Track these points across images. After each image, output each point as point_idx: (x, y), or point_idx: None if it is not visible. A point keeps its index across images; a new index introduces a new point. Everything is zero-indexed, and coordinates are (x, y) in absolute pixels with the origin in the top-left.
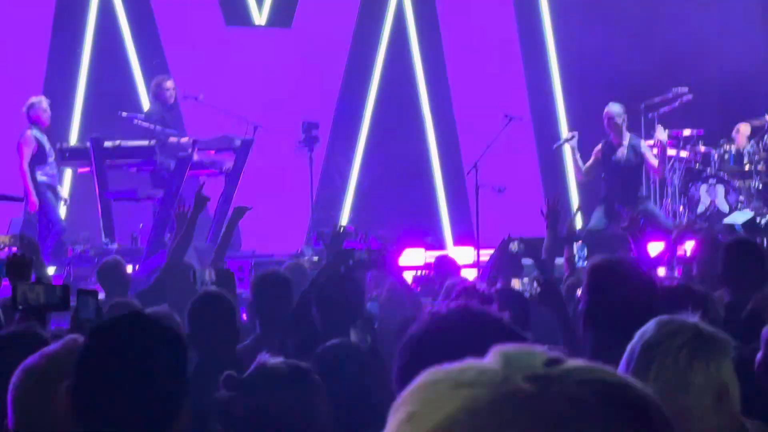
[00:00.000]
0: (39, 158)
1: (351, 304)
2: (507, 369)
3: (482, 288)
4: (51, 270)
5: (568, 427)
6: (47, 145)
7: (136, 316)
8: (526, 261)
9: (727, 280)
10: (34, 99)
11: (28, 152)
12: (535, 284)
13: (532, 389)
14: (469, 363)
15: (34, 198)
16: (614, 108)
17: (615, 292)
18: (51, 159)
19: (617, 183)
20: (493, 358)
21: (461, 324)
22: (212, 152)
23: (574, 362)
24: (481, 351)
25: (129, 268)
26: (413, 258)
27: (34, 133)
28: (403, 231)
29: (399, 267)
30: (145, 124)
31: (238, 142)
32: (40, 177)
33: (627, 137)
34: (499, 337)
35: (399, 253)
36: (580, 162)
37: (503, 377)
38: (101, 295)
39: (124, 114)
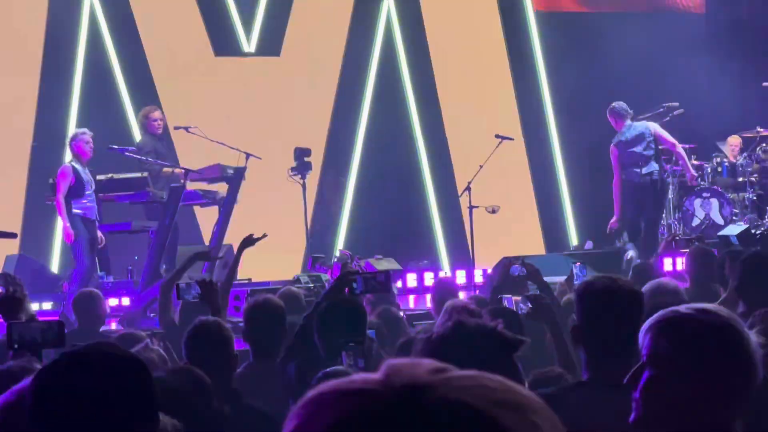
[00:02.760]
0: (76, 191)
1: (353, 330)
2: (390, 378)
3: (474, 307)
4: (48, 305)
5: None
6: (85, 178)
7: (93, 348)
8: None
9: (741, 292)
10: (78, 131)
11: (65, 185)
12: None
13: (410, 396)
14: (358, 375)
15: (70, 230)
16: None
17: (604, 311)
18: (89, 192)
19: None
20: (381, 370)
21: (458, 338)
22: (205, 182)
23: (461, 372)
24: (477, 360)
25: (126, 301)
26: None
27: (73, 164)
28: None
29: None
30: (137, 156)
31: (230, 171)
32: (75, 209)
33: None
34: (491, 343)
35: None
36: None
37: (385, 386)
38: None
39: (116, 147)
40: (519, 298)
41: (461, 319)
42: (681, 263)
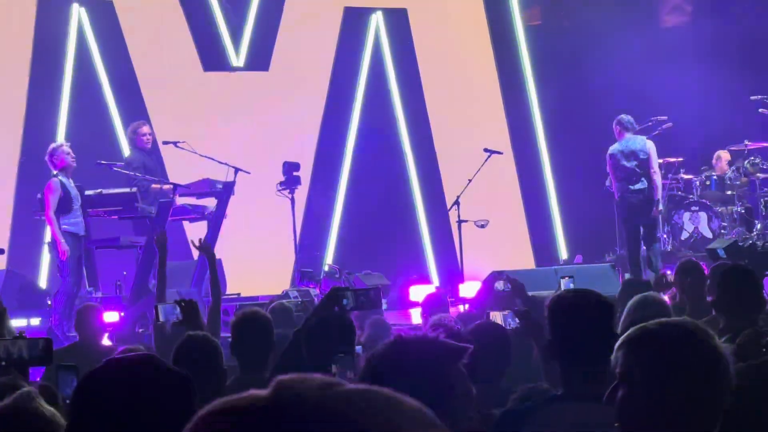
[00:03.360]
0: (64, 206)
1: (342, 345)
2: (277, 395)
3: (452, 325)
4: (36, 321)
5: None
6: (72, 192)
7: (145, 358)
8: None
9: (721, 306)
10: (55, 144)
11: (54, 200)
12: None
13: (294, 412)
14: (249, 392)
15: (64, 247)
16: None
17: (573, 324)
18: (76, 206)
19: None
20: (271, 386)
21: (420, 351)
22: (194, 197)
23: (350, 386)
24: (438, 377)
25: (116, 316)
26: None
27: (60, 179)
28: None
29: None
30: (126, 171)
31: (219, 186)
32: (64, 226)
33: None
34: (434, 352)
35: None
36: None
37: (272, 402)
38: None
39: (104, 162)
40: (507, 313)
41: (401, 335)
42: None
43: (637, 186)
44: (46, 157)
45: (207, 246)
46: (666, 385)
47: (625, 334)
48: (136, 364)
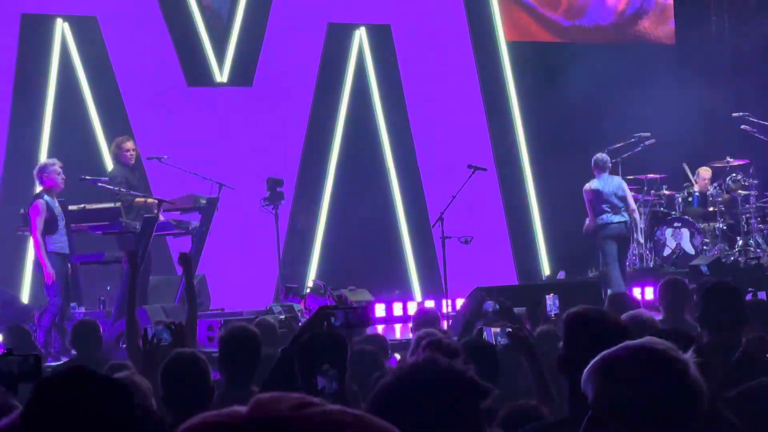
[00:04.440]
0: (49, 227)
1: (335, 361)
2: (253, 413)
3: (449, 341)
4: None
5: None
6: (57, 210)
7: (79, 370)
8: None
9: (705, 322)
10: (47, 161)
11: (40, 221)
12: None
13: (267, 431)
14: (228, 409)
15: (50, 270)
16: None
17: (593, 342)
18: (61, 225)
19: None
20: (249, 404)
21: (427, 377)
22: (178, 212)
23: (326, 407)
24: (444, 403)
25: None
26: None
27: (45, 199)
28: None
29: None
30: (110, 187)
31: (203, 201)
32: (50, 246)
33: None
34: (461, 388)
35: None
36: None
37: (247, 420)
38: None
39: (88, 178)
40: (498, 329)
41: (434, 357)
42: (650, 293)
43: (618, 218)
44: (35, 173)
45: (188, 258)
46: (635, 409)
47: (593, 361)
48: (72, 377)
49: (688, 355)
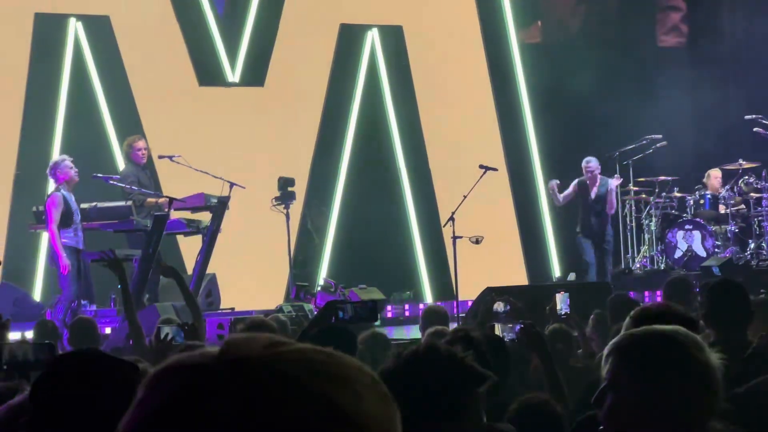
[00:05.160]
0: (65, 220)
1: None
2: (225, 353)
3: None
4: (30, 334)
5: (249, 402)
6: (73, 206)
7: (91, 352)
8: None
9: (711, 320)
10: (57, 158)
11: (57, 214)
12: (517, 330)
13: (239, 369)
14: (201, 350)
15: (65, 261)
16: (591, 161)
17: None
18: (77, 220)
19: (590, 219)
20: (221, 344)
21: (427, 363)
22: (189, 211)
23: (292, 346)
24: (443, 388)
25: (108, 330)
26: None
27: (63, 193)
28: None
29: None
30: (121, 185)
31: (214, 200)
32: (64, 240)
33: (599, 181)
34: (460, 374)
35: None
36: (557, 194)
37: (219, 360)
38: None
39: (100, 175)
40: (509, 326)
41: (434, 343)
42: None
43: (597, 219)
44: (48, 171)
45: (168, 268)
46: (653, 391)
47: (614, 341)
48: (85, 358)
49: (713, 354)
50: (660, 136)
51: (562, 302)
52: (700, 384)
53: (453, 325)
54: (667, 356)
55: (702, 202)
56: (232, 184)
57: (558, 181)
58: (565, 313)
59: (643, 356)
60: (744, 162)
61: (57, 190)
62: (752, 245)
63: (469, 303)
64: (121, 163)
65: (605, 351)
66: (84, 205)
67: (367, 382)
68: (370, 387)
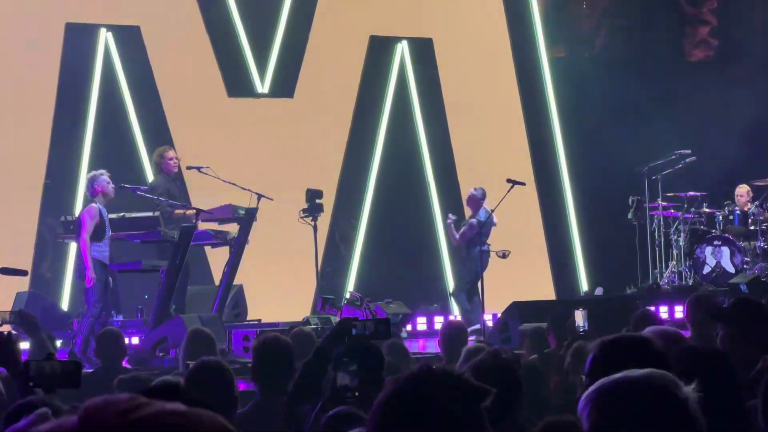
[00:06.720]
0: (98, 233)
1: (372, 372)
2: (82, 423)
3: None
4: (58, 343)
5: None
6: (107, 220)
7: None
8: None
9: (735, 339)
10: (95, 172)
11: (91, 225)
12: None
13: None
14: (59, 420)
15: (92, 274)
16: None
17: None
18: (108, 235)
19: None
20: (78, 411)
21: (425, 386)
22: (216, 222)
23: (155, 408)
24: (445, 409)
25: (136, 340)
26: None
27: (99, 207)
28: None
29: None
30: (149, 196)
31: (242, 212)
32: (93, 253)
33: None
34: (460, 393)
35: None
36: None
37: (75, 430)
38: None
39: (128, 186)
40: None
41: (427, 365)
42: (678, 311)
43: (485, 248)
44: (86, 185)
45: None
46: None
47: (591, 388)
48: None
49: (689, 390)
50: (689, 151)
51: (581, 319)
52: (680, 427)
53: (472, 338)
54: (639, 401)
55: (731, 217)
56: (260, 196)
57: (455, 217)
58: (584, 330)
59: (614, 403)
60: None
61: (92, 201)
62: None
63: (497, 316)
64: (149, 174)
65: (581, 402)
66: (112, 216)
67: None
68: None
